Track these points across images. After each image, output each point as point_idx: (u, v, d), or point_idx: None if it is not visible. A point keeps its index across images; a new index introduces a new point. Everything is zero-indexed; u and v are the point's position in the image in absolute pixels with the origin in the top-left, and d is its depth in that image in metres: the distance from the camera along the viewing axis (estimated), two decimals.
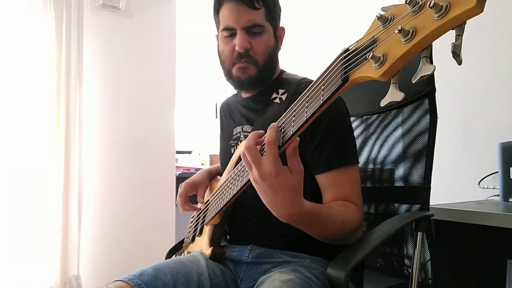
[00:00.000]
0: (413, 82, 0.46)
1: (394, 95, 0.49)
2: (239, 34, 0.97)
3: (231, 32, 0.99)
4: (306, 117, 0.63)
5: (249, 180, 0.77)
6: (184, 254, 1.12)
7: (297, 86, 0.98)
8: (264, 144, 0.69)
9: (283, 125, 0.69)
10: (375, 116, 1.19)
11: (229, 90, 1.20)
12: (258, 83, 1.02)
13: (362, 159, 1.22)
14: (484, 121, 1.68)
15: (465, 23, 0.42)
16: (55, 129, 2.21)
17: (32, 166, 2.14)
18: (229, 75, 1.04)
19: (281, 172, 0.66)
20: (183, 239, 1.26)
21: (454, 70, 1.75)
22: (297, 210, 0.70)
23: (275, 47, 1.03)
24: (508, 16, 1.61)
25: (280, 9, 1.05)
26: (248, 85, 1.03)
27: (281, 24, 1.08)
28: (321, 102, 0.60)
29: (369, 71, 0.51)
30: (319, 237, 0.80)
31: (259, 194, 0.70)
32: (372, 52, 0.50)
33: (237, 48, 0.97)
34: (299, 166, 0.68)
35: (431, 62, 0.45)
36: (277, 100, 1.01)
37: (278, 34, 1.05)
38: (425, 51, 0.46)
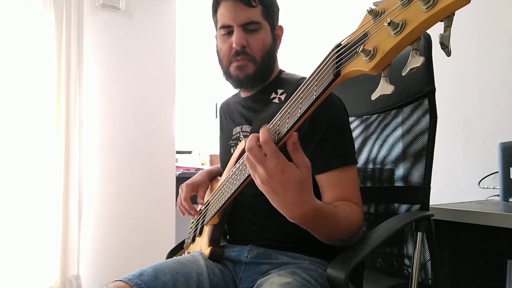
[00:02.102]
0: (403, 74, 0.46)
1: (384, 88, 0.49)
2: (236, 31, 0.97)
3: (228, 30, 0.99)
4: (300, 113, 0.63)
5: (247, 177, 0.77)
6: (184, 255, 1.12)
7: (296, 86, 0.98)
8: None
9: (278, 122, 0.69)
10: (375, 116, 1.19)
11: (229, 90, 1.20)
12: (257, 81, 1.02)
13: (362, 159, 1.22)
14: (484, 121, 1.68)
15: (453, 14, 0.42)
16: (55, 129, 2.21)
17: (32, 166, 2.14)
18: (227, 74, 1.04)
19: (288, 167, 0.65)
20: (184, 240, 1.26)
21: (454, 70, 1.75)
22: (310, 207, 0.68)
23: (272, 45, 1.04)
24: (508, 15, 1.61)
25: (278, 9, 1.06)
26: (246, 83, 1.03)
27: (281, 24, 1.08)
28: (314, 97, 0.61)
29: (360, 64, 0.51)
30: (327, 237, 0.79)
31: (268, 196, 0.68)
32: (363, 45, 0.50)
33: (234, 44, 0.97)
34: (305, 160, 0.67)
35: (421, 55, 0.45)
36: (276, 100, 1.01)
37: (276, 33, 1.05)
38: (414, 43, 0.46)
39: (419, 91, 1.00)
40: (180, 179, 2.67)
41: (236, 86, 1.09)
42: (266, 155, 0.66)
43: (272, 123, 0.71)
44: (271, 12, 1.02)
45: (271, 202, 0.69)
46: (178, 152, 2.86)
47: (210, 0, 1.04)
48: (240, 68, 1.00)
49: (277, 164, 0.64)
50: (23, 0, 2.15)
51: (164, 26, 2.68)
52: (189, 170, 2.92)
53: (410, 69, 0.45)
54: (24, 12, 2.15)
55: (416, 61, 0.45)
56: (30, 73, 2.16)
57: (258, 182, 0.68)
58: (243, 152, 0.96)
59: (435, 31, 0.47)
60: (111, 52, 2.48)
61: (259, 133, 0.77)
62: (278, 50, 1.08)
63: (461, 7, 0.41)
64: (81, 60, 2.34)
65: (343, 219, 0.77)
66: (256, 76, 1.01)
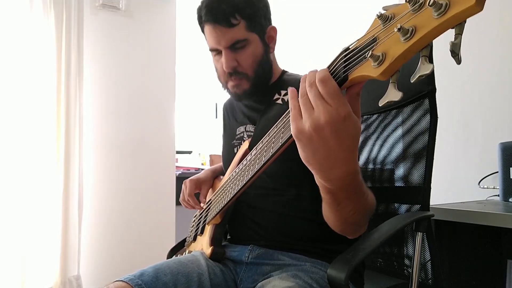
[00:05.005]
0: (412, 81, 0.46)
1: (392, 94, 0.48)
2: (224, 54, 0.98)
3: (216, 52, 1.01)
4: None
5: (249, 179, 0.76)
6: (185, 254, 1.12)
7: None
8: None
9: (281, 128, 0.69)
10: (375, 116, 1.19)
11: None
12: (255, 93, 1.04)
13: (362, 159, 1.22)
14: (484, 121, 1.68)
15: (465, 21, 0.42)
16: (55, 129, 2.21)
17: (32, 166, 2.14)
18: (226, 89, 1.07)
19: (351, 114, 0.53)
20: (185, 238, 1.26)
21: (454, 70, 1.75)
22: (355, 168, 0.58)
23: (264, 53, 1.02)
24: (508, 15, 1.61)
25: (266, 8, 1.02)
26: (245, 98, 1.06)
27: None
28: None
29: (368, 70, 0.51)
30: (350, 214, 0.69)
31: (309, 149, 0.56)
32: (372, 51, 0.49)
33: (224, 68, 0.99)
34: (359, 110, 0.58)
35: (431, 62, 0.45)
36: (279, 101, 1.01)
37: (268, 35, 1.03)
38: (424, 50, 0.45)
39: (419, 91, 1.00)
40: (180, 179, 2.67)
41: (236, 100, 1.12)
42: (323, 97, 0.54)
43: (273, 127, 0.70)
44: (256, 19, 0.99)
45: (305, 157, 0.57)
46: (178, 152, 2.86)
47: None
48: (236, 87, 1.02)
49: (338, 107, 0.52)
50: (24, 1, 2.14)
51: (164, 26, 2.68)
52: (189, 170, 2.92)
53: (419, 76, 0.45)
54: (24, 12, 2.15)
55: (425, 68, 0.44)
56: (30, 73, 2.16)
57: (307, 127, 0.55)
58: (246, 152, 0.96)
59: None
60: (111, 52, 2.48)
61: (263, 135, 0.76)
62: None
63: (473, 14, 0.40)
64: (81, 60, 2.33)
65: (368, 191, 0.70)
66: (253, 90, 1.02)
